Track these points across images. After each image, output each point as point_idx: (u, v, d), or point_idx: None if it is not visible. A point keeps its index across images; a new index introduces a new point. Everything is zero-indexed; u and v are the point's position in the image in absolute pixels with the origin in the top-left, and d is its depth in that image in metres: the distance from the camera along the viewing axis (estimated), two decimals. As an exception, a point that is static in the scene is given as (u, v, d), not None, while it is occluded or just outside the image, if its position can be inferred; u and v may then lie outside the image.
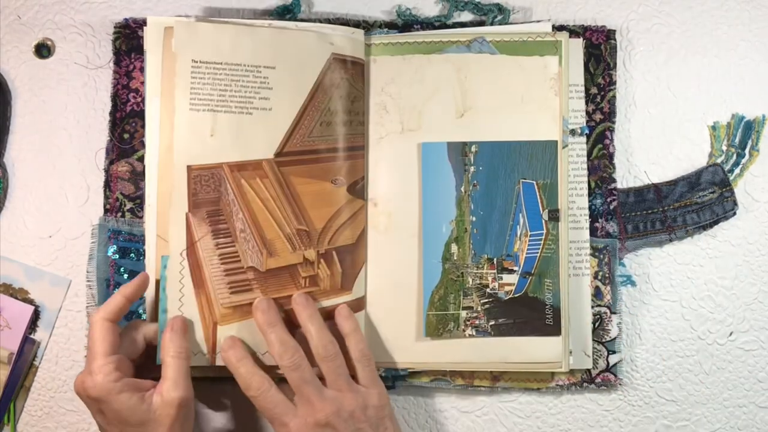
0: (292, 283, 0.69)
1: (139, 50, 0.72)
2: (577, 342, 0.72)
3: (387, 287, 0.72)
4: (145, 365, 0.67)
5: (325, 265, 0.70)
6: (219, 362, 0.68)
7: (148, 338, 0.67)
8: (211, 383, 0.72)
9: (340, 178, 0.71)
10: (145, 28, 0.70)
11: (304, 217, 0.70)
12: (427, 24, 0.75)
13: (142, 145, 0.72)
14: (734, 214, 0.75)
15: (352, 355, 0.67)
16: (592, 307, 0.73)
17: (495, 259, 0.72)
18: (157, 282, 0.68)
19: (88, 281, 0.72)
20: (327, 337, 0.66)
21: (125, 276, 0.71)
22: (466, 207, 0.72)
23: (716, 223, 0.75)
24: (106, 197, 0.72)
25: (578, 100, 0.74)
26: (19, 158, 0.74)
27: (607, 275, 0.73)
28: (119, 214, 0.72)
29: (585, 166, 0.74)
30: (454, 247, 0.72)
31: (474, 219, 0.72)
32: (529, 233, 0.71)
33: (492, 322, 0.72)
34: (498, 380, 0.73)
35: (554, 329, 0.71)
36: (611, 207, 0.74)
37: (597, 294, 0.74)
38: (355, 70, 0.71)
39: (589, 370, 0.73)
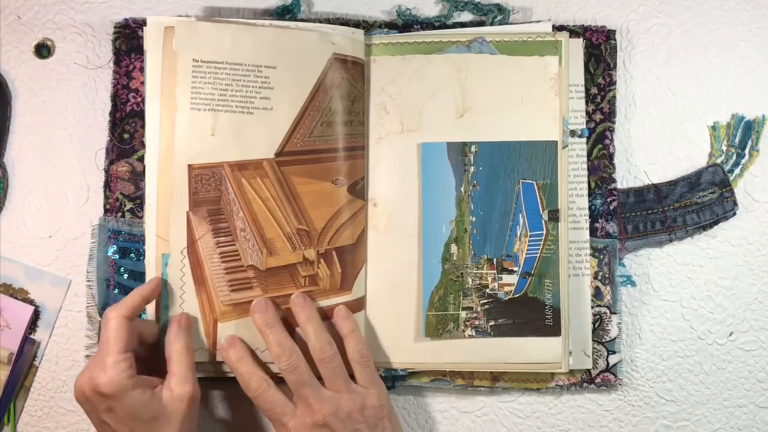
0: (291, 282, 0.69)
1: (139, 50, 0.72)
2: (577, 342, 0.72)
3: (387, 287, 0.72)
4: (144, 362, 0.66)
5: (324, 264, 0.70)
6: (219, 357, 0.68)
7: (149, 335, 0.67)
8: (212, 383, 0.72)
9: (341, 178, 0.71)
10: (144, 28, 0.70)
11: (304, 216, 0.70)
12: (427, 24, 0.75)
13: (142, 145, 0.72)
14: (734, 214, 0.75)
15: (350, 356, 0.67)
16: (592, 307, 0.73)
17: (495, 260, 0.72)
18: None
19: (88, 281, 0.72)
20: (325, 338, 0.66)
21: (125, 276, 0.71)
22: (466, 207, 0.72)
23: (716, 223, 0.75)
24: (106, 197, 0.72)
25: (578, 100, 0.74)
26: (19, 158, 0.74)
27: (607, 275, 0.73)
28: (119, 214, 0.72)
29: (585, 166, 0.74)
30: (453, 248, 0.72)
31: (474, 219, 0.72)
32: (528, 233, 0.71)
33: (492, 323, 0.72)
34: (498, 380, 0.73)
35: (554, 329, 0.71)
36: (611, 207, 0.74)
37: (597, 294, 0.73)
38: (356, 70, 0.71)
39: (589, 371, 0.73)
